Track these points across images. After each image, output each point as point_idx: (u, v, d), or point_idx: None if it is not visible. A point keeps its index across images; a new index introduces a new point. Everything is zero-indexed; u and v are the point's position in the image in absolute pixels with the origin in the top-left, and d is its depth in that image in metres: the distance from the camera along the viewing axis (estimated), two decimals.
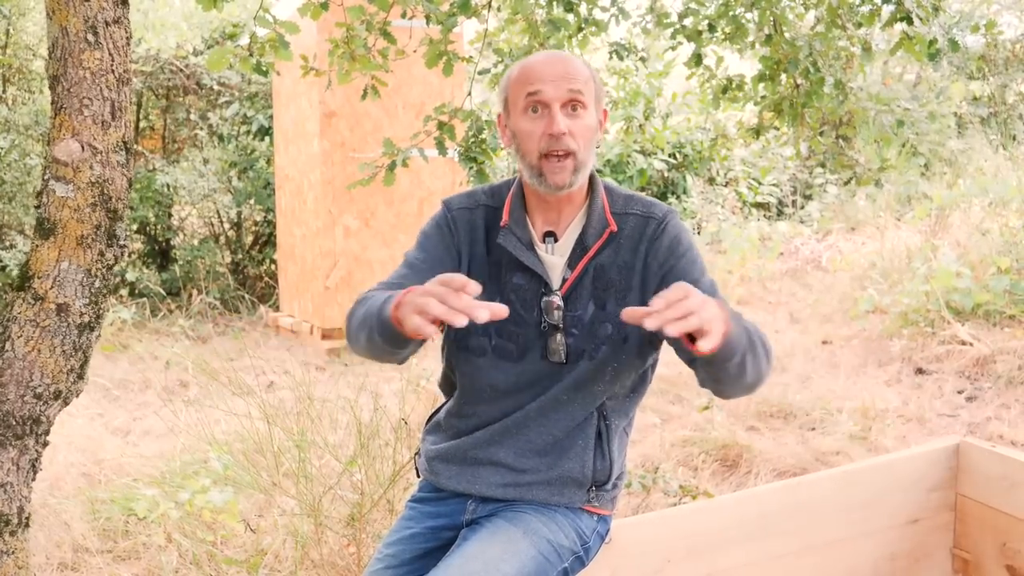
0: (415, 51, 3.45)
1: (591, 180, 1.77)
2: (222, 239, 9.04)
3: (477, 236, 1.77)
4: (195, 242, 9.04)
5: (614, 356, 1.73)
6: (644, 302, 1.70)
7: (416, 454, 1.97)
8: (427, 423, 1.94)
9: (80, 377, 1.94)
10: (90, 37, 1.84)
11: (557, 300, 1.71)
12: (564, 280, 1.73)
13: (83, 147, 1.83)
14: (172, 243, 8.95)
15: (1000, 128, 11.50)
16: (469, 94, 3.61)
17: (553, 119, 1.64)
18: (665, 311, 1.31)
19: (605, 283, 1.73)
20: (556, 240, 1.75)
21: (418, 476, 1.95)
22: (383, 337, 1.54)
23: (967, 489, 2.28)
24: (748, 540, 2.09)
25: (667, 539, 2.01)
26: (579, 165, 1.67)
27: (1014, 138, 11.24)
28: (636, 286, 1.73)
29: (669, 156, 10.41)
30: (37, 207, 1.87)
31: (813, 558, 2.17)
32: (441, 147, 3.40)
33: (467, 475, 1.80)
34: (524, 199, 1.77)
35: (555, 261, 1.74)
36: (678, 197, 10.31)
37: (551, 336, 1.72)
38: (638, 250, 1.73)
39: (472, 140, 3.56)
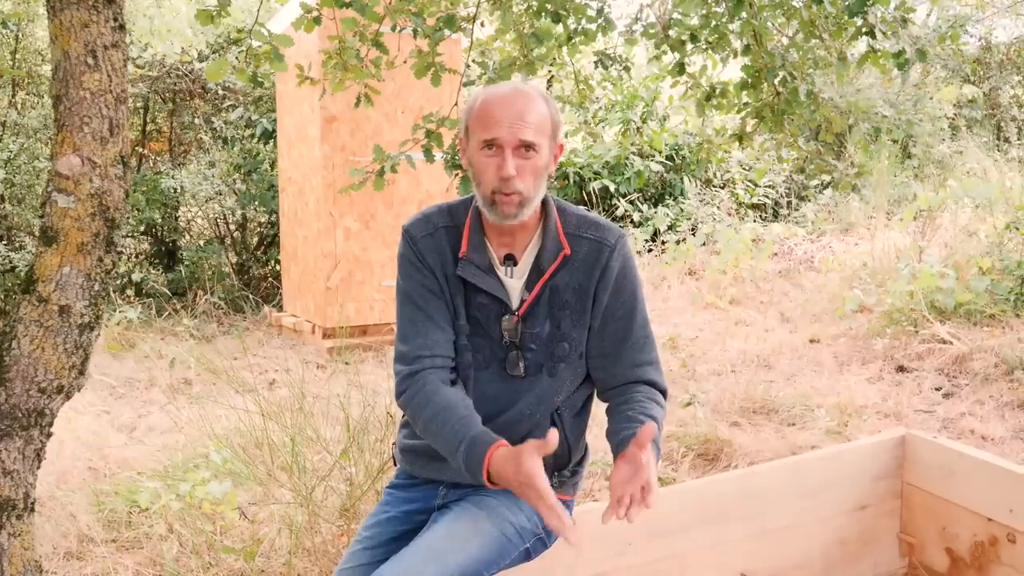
0: (405, 62, 3.60)
1: (544, 203, 1.92)
2: (227, 240, 9.16)
3: (445, 258, 1.90)
4: (200, 243, 9.17)
5: (572, 372, 1.92)
6: (594, 322, 1.90)
7: (393, 444, 2.12)
8: (403, 416, 2.08)
9: (81, 373, 2.10)
10: (90, 60, 1.99)
11: (515, 320, 1.88)
12: (523, 301, 1.89)
13: (83, 162, 1.99)
14: (178, 244, 9.10)
15: (992, 130, 11.58)
16: (456, 104, 3.75)
17: (504, 162, 1.77)
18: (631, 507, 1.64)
19: (560, 303, 1.89)
20: (515, 264, 1.90)
21: (395, 464, 2.10)
22: (449, 458, 1.78)
23: (912, 477, 2.41)
24: (706, 524, 2.23)
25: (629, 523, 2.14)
26: (525, 201, 1.80)
27: (1007, 140, 11.32)
28: (588, 308, 1.90)
29: (666, 158, 10.53)
30: (41, 216, 2.03)
31: (767, 542, 2.30)
32: (428, 154, 3.54)
33: (436, 466, 1.95)
34: (482, 223, 1.91)
35: (514, 284, 1.90)
36: (675, 199, 10.42)
37: (511, 351, 1.89)
38: (592, 275, 1.89)
39: (458, 148, 3.69)
